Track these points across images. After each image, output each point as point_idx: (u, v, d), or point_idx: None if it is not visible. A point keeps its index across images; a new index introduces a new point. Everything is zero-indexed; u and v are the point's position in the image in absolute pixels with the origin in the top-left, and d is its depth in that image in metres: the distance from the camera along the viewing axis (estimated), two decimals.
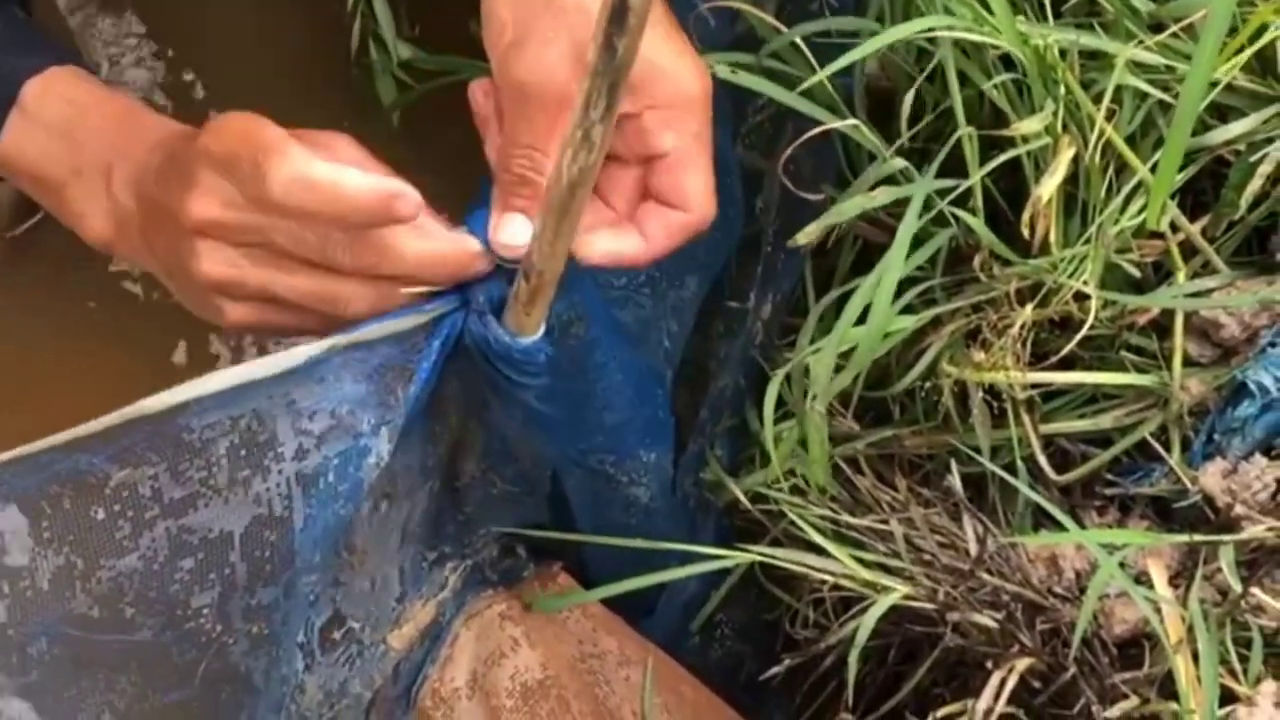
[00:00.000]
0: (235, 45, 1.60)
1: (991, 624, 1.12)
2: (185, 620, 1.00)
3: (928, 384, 1.19)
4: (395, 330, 0.98)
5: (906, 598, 1.12)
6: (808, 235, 1.13)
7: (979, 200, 1.15)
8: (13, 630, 0.95)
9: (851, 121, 1.12)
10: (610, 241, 1.00)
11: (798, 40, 1.13)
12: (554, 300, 0.97)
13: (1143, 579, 1.12)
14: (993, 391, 1.18)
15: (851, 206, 1.13)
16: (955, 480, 1.19)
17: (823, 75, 1.11)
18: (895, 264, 1.08)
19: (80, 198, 1.06)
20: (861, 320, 1.13)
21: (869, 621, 1.10)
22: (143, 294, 1.64)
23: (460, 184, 1.07)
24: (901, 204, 1.15)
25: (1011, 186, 1.19)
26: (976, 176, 1.13)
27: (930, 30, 1.09)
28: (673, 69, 1.00)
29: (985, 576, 1.14)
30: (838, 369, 1.14)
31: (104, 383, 1.60)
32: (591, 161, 0.85)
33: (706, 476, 1.30)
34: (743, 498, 1.26)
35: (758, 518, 1.27)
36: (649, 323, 1.18)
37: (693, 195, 1.00)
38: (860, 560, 1.15)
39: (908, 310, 1.16)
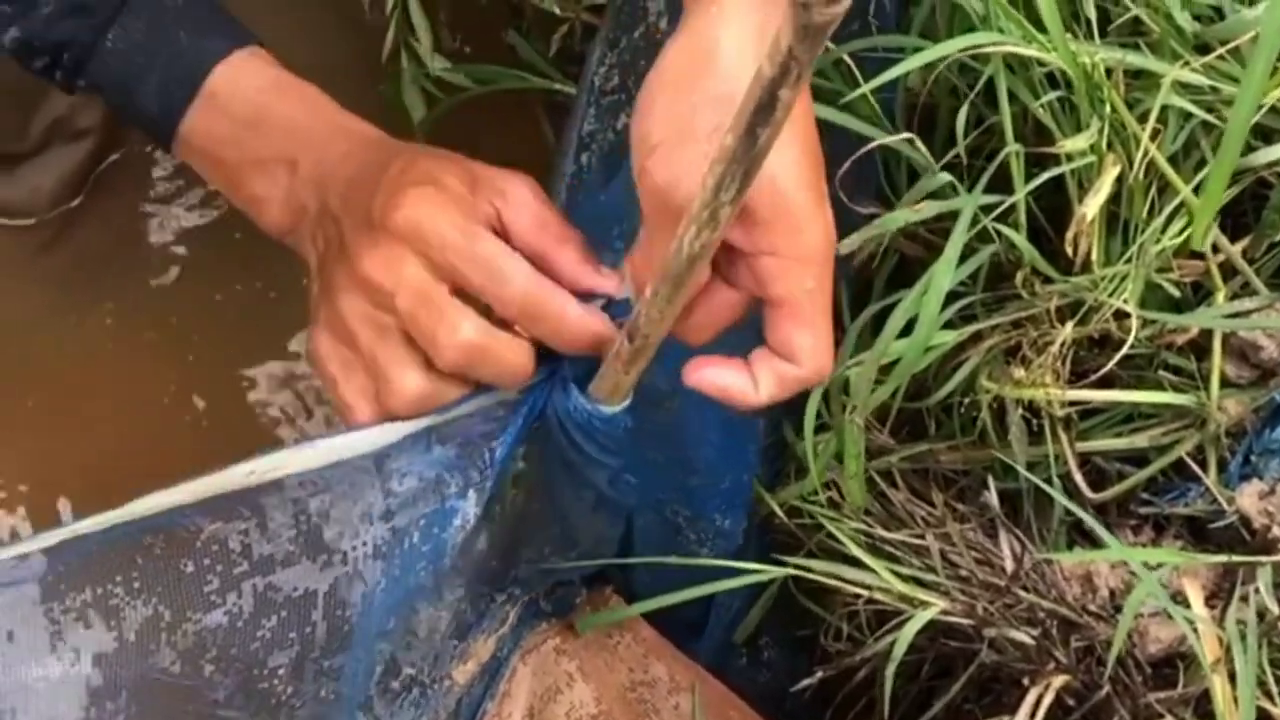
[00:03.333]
0: None
1: (1028, 641, 1.12)
2: (260, 680, 1.00)
3: (965, 399, 1.19)
4: (487, 404, 1.00)
5: (943, 613, 1.12)
6: (849, 246, 1.13)
7: (1022, 216, 1.15)
8: (98, 683, 0.95)
9: (904, 135, 1.12)
10: (723, 376, 0.97)
11: (844, 56, 1.13)
12: (648, 371, 0.97)
13: (1178, 599, 1.13)
14: (1030, 408, 1.18)
15: (896, 219, 1.13)
16: (992, 496, 1.19)
17: (867, 89, 1.11)
18: (942, 278, 1.08)
19: (261, 185, 1.06)
20: (903, 334, 1.12)
21: (906, 636, 1.10)
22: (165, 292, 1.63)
23: None
24: (943, 219, 1.15)
25: (1052, 203, 1.19)
26: (1022, 193, 1.14)
27: (979, 47, 1.09)
28: (806, 221, 0.94)
29: (1021, 593, 1.14)
30: (877, 383, 1.15)
31: (112, 374, 1.60)
32: (714, 239, 0.86)
33: None
34: (778, 510, 1.26)
35: (793, 531, 1.27)
36: None
37: (802, 351, 0.95)
38: (897, 574, 1.15)
39: (947, 325, 1.16)
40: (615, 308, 1.01)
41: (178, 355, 1.61)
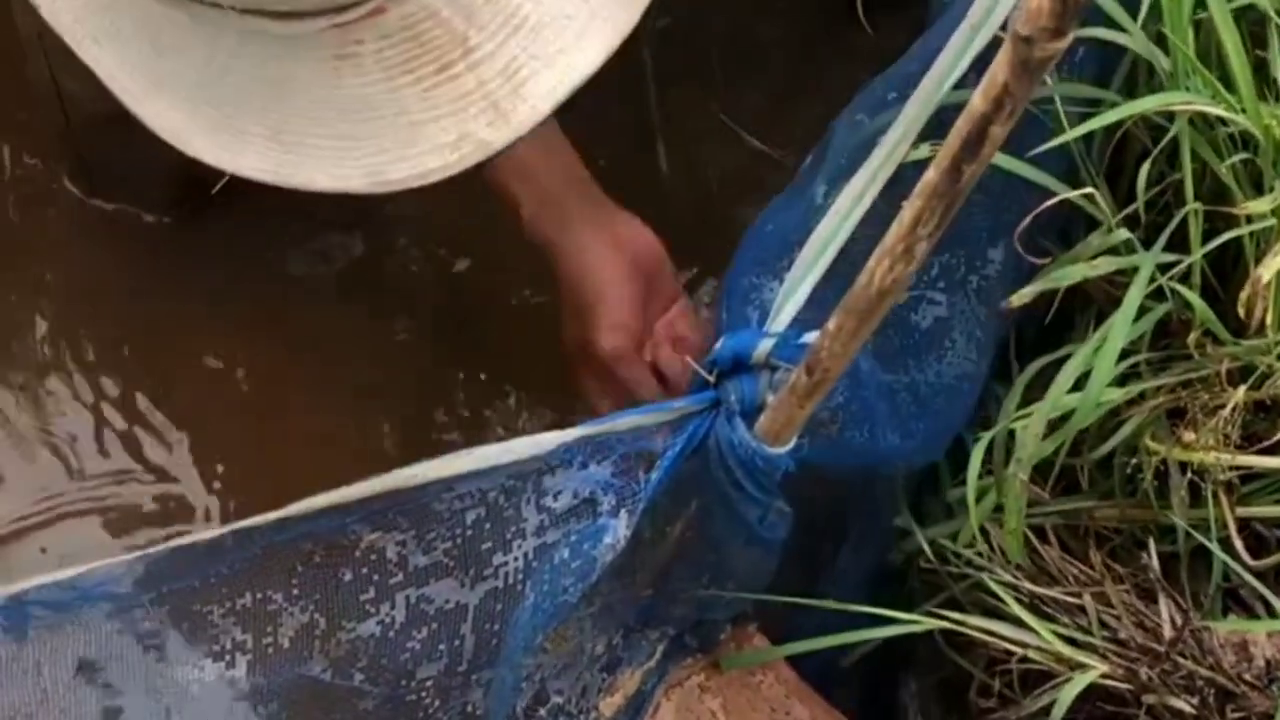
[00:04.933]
0: None
1: (1188, 709, 1.10)
2: (408, 693, 1.01)
3: (1130, 460, 1.17)
4: (646, 423, 1.00)
5: (1103, 676, 1.10)
6: (1022, 297, 1.12)
7: (1198, 276, 1.13)
8: (251, 687, 0.96)
9: (1088, 190, 1.10)
10: None
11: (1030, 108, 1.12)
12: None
13: None
14: (1193, 469, 1.16)
15: (1073, 273, 1.11)
16: (1153, 559, 1.17)
17: (1066, 139, 1.10)
18: (1118, 335, 1.07)
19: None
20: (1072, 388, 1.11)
21: (1066, 699, 1.08)
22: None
23: None
24: (1117, 273, 1.14)
25: (1224, 262, 1.17)
26: (1198, 254, 1.12)
27: (1169, 105, 1.07)
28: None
29: (1180, 660, 1.11)
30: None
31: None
32: (908, 274, 0.84)
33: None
34: (928, 550, 1.24)
35: (934, 575, 1.26)
36: (951, 322, 1.18)
37: None
38: (1057, 634, 1.12)
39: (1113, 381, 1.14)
40: (784, 350, 1.00)
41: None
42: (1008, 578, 1.17)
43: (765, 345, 1.01)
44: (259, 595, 0.95)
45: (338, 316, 1.65)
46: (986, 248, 1.21)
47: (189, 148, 0.95)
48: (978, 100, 0.77)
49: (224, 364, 1.63)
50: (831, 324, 0.91)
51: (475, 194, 1.31)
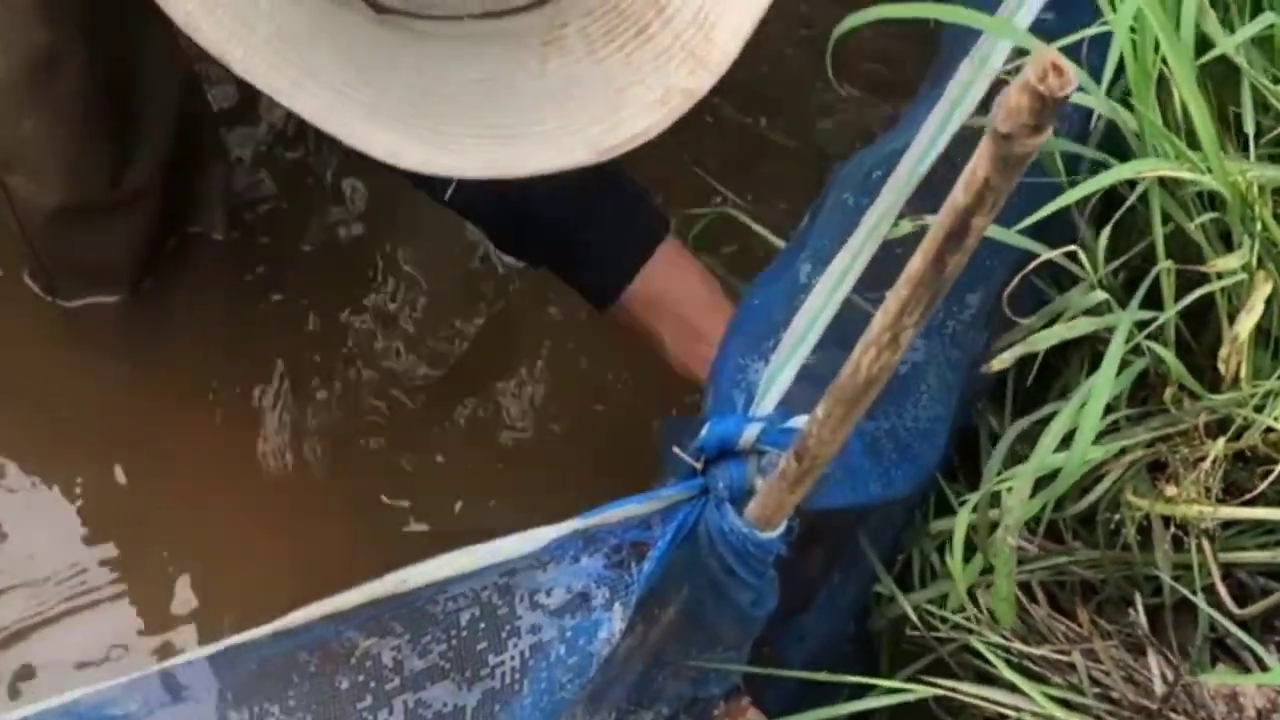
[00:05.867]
0: None
1: None
2: None
3: (1112, 515, 1.17)
4: (636, 513, 1.00)
5: None
6: (1003, 361, 1.13)
7: (1172, 333, 1.14)
8: None
9: (1071, 248, 1.11)
10: None
11: None
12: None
13: None
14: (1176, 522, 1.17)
15: (1051, 335, 1.12)
16: (1140, 615, 1.17)
17: (1049, 211, 1.10)
18: (1101, 393, 1.07)
19: None
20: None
21: None
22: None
23: None
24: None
25: (1199, 314, 1.18)
26: (1171, 311, 1.13)
27: (1138, 173, 1.08)
28: None
29: (1172, 715, 1.12)
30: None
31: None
32: (894, 361, 0.85)
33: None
34: (914, 616, 1.24)
35: (919, 638, 1.26)
36: (926, 366, 1.19)
37: None
38: (1049, 697, 1.13)
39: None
40: (771, 435, 1.01)
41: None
42: (997, 639, 1.17)
43: (752, 431, 1.01)
44: (256, 709, 0.95)
45: (312, 384, 1.65)
46: (965, 293, 1.22)
47: (405, 162, 0.96)
48: (960, 194, 0.77)
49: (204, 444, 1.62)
50: (820, 411, 0.91)
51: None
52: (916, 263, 0.81)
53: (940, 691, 1.14)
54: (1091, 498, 1.19)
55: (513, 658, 0.99)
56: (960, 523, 1.12)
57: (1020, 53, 1.04)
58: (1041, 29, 1.08)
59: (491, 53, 0.98)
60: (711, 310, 1.36)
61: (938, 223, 0.79)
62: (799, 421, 0.99)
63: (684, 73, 1.00)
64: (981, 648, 1.19)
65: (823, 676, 1.14)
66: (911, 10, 1.11)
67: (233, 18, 0.93)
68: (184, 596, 1.55)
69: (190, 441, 1.61)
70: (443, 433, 1.63)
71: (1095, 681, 1.16)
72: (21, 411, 1.61)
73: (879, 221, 1.06)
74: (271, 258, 1.69)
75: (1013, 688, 1.14)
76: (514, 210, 1.34)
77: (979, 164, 0.75)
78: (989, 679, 1.18)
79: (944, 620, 1.23)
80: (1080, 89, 1.12)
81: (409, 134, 0.96)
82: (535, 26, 0.98)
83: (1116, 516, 1.18)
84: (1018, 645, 1.17)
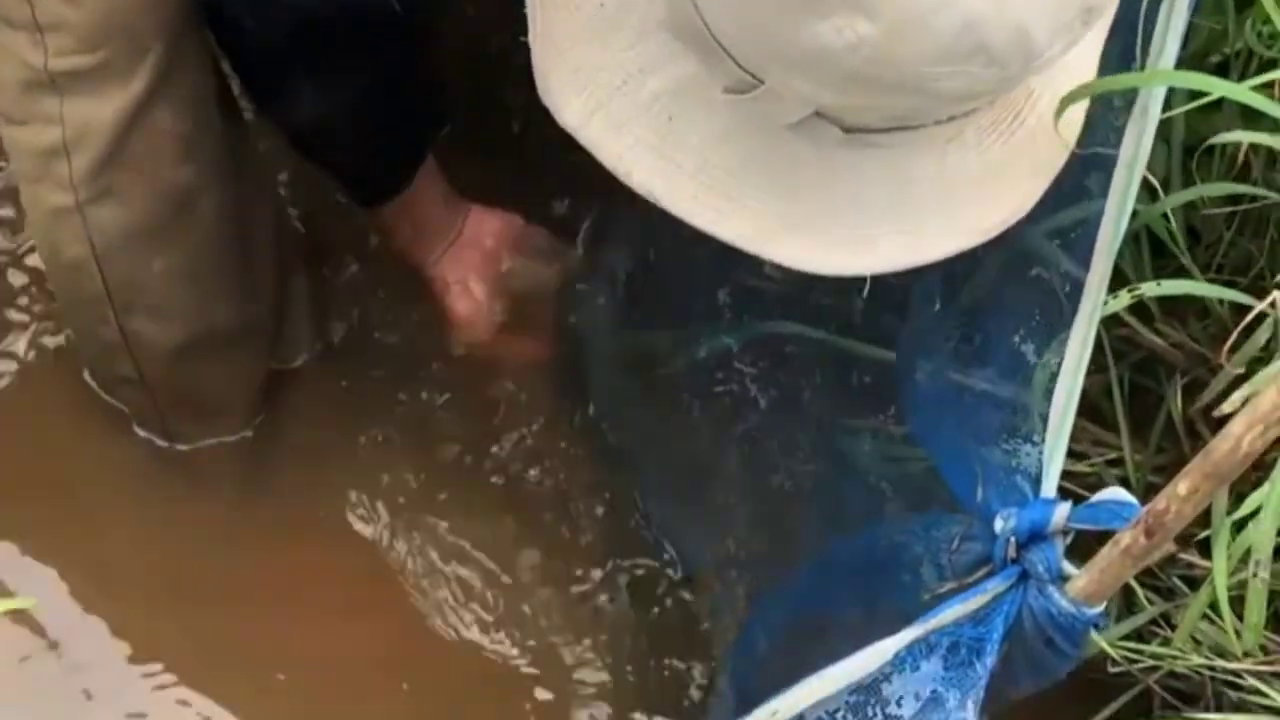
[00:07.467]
0: None
1: None
2: None
3: None
4: (967, 611, 1.02)
5: None
6: (1233, 404, 1.15)
7: None
8: None
9: None
10: None
11: None
12: None
13: None
14: None
15: None
16: None
17: None
18: None
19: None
20: None
21: None
22: None
23: None
24: None
25: None
26: None
27: None
28: None
29: None
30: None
31: None
32: (1275, 436, 0.87)
33: None
34: (1113, 654, 1.26)
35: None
36: None
37: None
38: None
39: None
40: (1079, 515, 1.02)
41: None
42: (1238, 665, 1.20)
43: (1062, 512, 1.02)
44: None
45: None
46: None
47: (822, 269, 1.05)
48: None
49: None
50: (1182, 489, 0.93)
51: None
52: None
53: None
54: None
55: None
56: (1219, 563, 1.13)
57: None
58: None
59: (905, 154, 1.04)
60: (434, 202, 1.52)
61: None
62: (1115, 494, 1.01)
63: (1042, 145, 1.07)
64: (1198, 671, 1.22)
65: None
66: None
67: (657, 157, 1.04)
68: None
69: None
70: None
71: None
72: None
73: (1095, 304, 1.10)
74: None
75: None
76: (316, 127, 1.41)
77: None
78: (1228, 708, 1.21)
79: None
80: None
81: (829, 237, 1.05)
82: (941, 132, 1.03)
83: None
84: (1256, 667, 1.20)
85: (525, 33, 1.06)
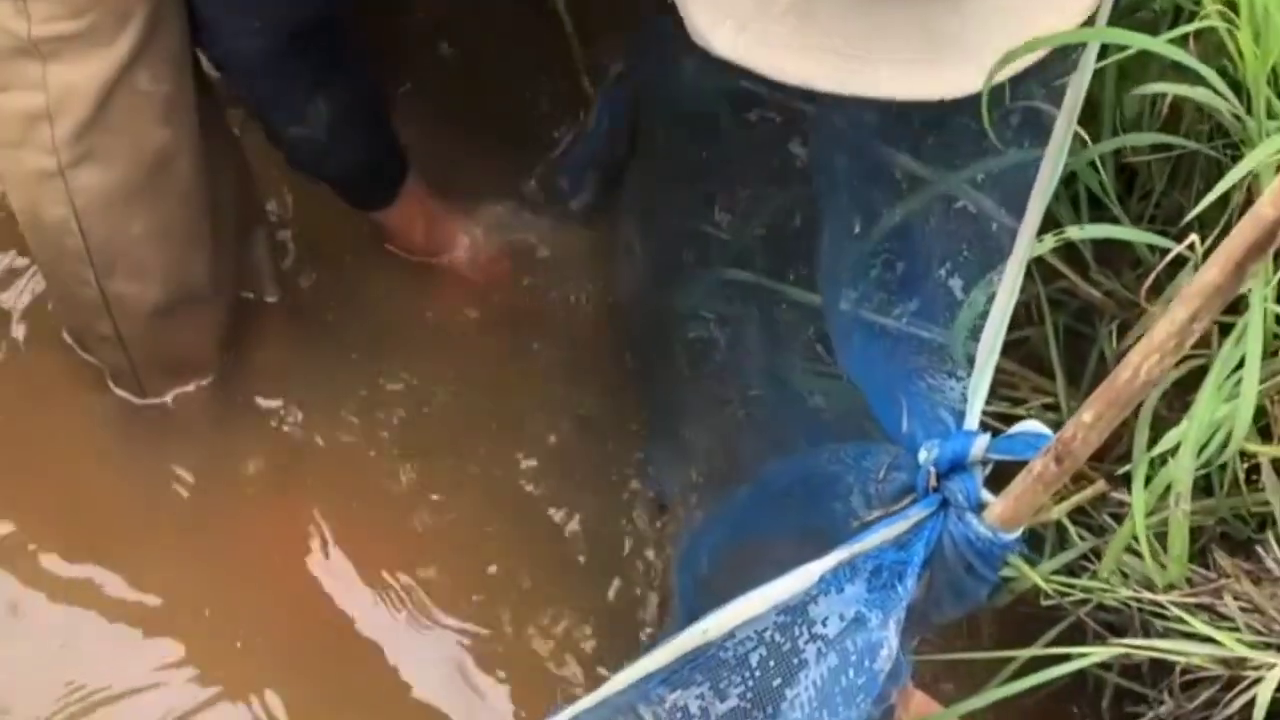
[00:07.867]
0: None
1: None
2: None
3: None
4: (889, 536, 1.06)
5: None
6: (1134, 336, 1.20)
7: None
8: None
9: None
10: None
11: None
12: None
13: None
14: None
15: None
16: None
17: None
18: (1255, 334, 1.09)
19: None
20: None
21: (1264, 698, 1.16)
22: None
23: None
24: None
25: None
26: None
27: None
28: None
29: None
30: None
31: None
32: (1170, 365, 0.92)
33: None
34: (1045, 587, 1.31)
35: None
36: None
37: None
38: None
39: None
40: (999, 446, 1.07)
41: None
42: (1161, 596, 1.25)
43: (981, 443, 1.07)
44: None
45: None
46: None
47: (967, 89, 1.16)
48: (1268, 208, 0.84)
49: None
50: (1087, 416, 0.97)
51: None
52: (1213, 273, 0.88)
53: (1125, 649, 1.21)
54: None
55: (806, 689, 1.04)
56: (1137, 498, 1.18)
57: None
58: None
59: None
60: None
61: (1238, 233, 0.86)
62: (1030, 427, 1.06)
63: None
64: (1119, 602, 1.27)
65: (991, 655, 1.21)
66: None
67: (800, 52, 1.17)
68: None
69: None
70: None
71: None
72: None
73: (1029, 241, 1.15)
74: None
75: (1185, 635, 1.22)
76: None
77: None
78: (1152, 634, 1.26)
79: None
80: None
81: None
82: None
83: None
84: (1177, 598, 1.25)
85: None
